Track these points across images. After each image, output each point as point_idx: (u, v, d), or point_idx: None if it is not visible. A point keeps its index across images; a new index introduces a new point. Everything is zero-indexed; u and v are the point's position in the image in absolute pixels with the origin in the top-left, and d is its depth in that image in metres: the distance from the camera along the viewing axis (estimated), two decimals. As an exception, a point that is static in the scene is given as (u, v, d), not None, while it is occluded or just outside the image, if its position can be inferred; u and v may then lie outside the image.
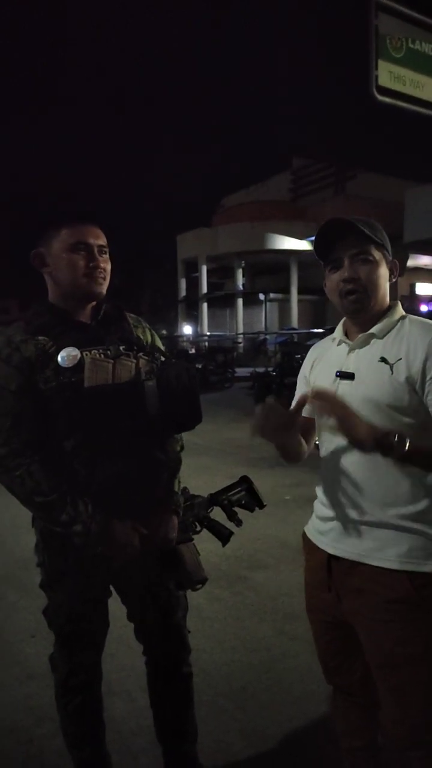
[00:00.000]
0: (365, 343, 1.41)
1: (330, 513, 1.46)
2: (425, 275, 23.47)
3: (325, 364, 1.52)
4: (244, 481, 1.91)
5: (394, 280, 1.43)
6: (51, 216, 1.64)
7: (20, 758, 2.06)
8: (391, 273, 1.43)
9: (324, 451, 1.52)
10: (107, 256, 1.63)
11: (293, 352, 12.89)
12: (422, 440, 1.30)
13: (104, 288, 1.62)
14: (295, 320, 22.77)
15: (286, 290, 24.12)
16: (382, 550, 1.36)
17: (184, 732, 1.85)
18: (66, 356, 1.52)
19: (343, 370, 1.42)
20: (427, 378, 1.31)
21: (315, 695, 2.29)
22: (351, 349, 1.44)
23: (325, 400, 1.33)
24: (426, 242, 16.89)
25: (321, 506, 1.51)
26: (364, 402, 1.36)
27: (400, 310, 1.44)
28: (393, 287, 1.47)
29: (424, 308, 19.68)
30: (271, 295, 25.62)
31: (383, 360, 1.35)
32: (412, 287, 22.96)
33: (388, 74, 7.34)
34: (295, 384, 1.65)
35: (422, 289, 23.31)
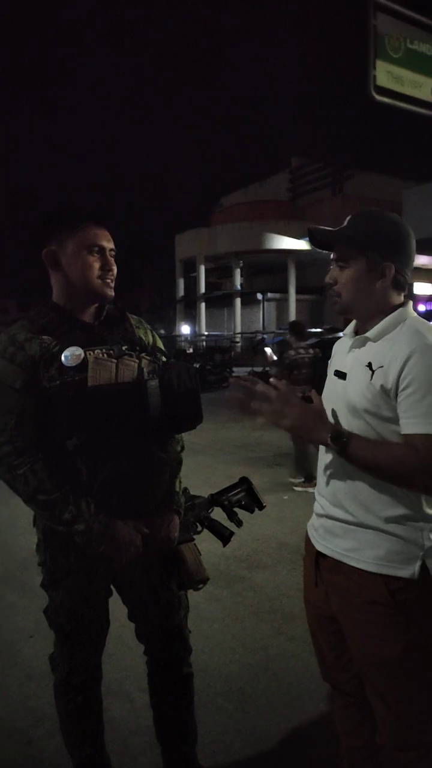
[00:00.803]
0: (361, 344, 1.42)
1: (320, 510, 1.48)
2: (423, 275, 23.46)
3: (334, 362, 1.53)
4: (244, 482, 1.92)
5: (387, 283, 1.38)
6: (68, 216, 1.64)
7: (19, 759, 2.06)
8: (382, 276, 1.38)
9: (320, 450, 1.53)
10: (113, 259, 1.66)
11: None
12: (374, 449, 1.30)
13: (113, 291, 1.65)
14: (293, 319, 22.78)
15: (284, 290, 24.16)
16: (360, 551, 1.36)
17: (184, 733, 1.85)
18: (70, 355, 1.53)
19: (340, 369, 1.44)
20: (400, 389, 1.28)
21: (313, 695, 2.30)
22: (351, 348, 1.45)
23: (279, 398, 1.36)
24: (424, 242, 16.86)
25: (316, 502, 1.54)
26: (347, 403, 1.38)
27: (405, 313, 1.38)
28: (387, 288, 1.40)
29: (422, 308, 19.73)
30: (269, 295, 25.64)
31: (369, 365, 1.35)
32: (410, 287, 22.98)
33: (386, 74, 7.34)
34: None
35: (420, 288, 23.31)
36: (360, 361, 1.39)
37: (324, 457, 1.48)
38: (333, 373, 1.48)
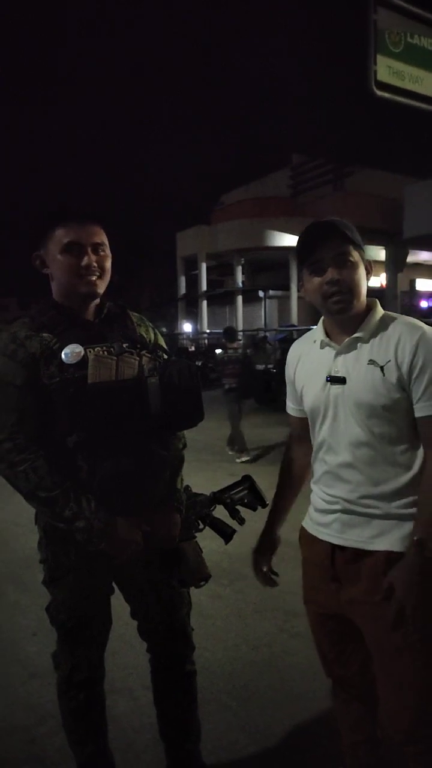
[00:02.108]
0: (352, 347, 1.43)
1: (333, 506, 1.48)
2: (425, 271, 23.44)
3: (310, 366, 1.53)
4: (247, 479, 1.91)
5: (368, 280, 1.45)
6: (44, 217, 1.63)
7: (22, 756, 2.06)
8: (368, 273, 1.45)
9: (317, 447, 1.53)
10: (105, 253, 1.62)
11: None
12: (428, 503, 1.36)
13: (99, 286, 1.61)
14: (294, 317, 22.73)
15: (286, 287, 24.09)
16: (386, 535, 1.39)
17: (188, 730, 1.84)
18: (70, 353, 1.53)
19: (333, 374, 1.44)
20: (413, 377, 1.34)
21: (317, 692, 2.29)
22: (338, 353, 1.45)
23: None
24: (425, 238, 16.84)
25: (320, 500, 1.53)
26: (357, 405, 1.39)
27: (380, 309, 1.46)
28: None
29: (424, 304, 19.69)
30: (271, 292, 25.57)
31: (372, 362, 1.38)
32: (413, 283, 22.93)
33: (386, 69, 7.30)
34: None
35: (422, 285, 23.29)
36: (358, 362, 1.40)
37: (330, 458, 1.48)
38: (323, 380, 1.46)
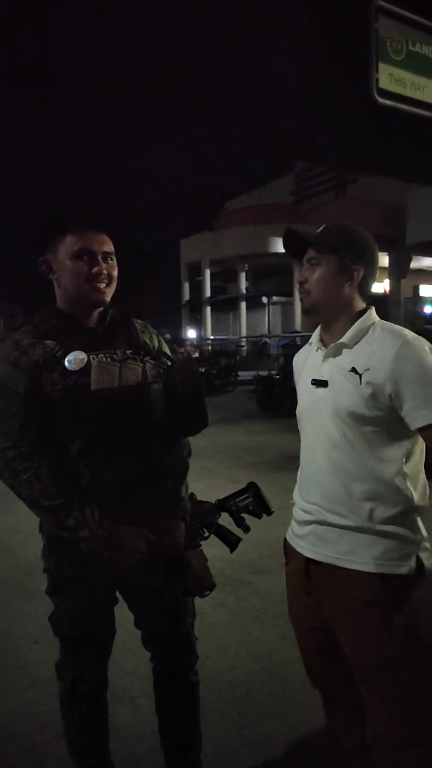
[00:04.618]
0: (337, 352, 1.44)
1: (308, 516, 1.48)
2: (429, 277, 23.41)
3: (306, 370, 1.55)
4: (252, 486, 1.91)
5: (354, 286, 1.45)
6: (56, 223, 1.64)
7: (23, 765, 2.06)
8: (351, 279, 1.45)
9: (303, 456, 1.54)
10: (113, 262, 1.64)
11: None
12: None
13: (107, 294, 1.63)
14: (298, 323, 22.74)
15: (290, 293, 24.10)
16: (357, 553, 1.38)
17: (189, 741, 1.83)
18: (73, 360, 1.53)
19: (317, 377, 1.46)
20: (397, 389, 1.32)
21: (318, 701, 2.26)
22: (325, 357, 1.47)
23: None
24: (429, 244, 16.87)
25: (299, 510, 1.53)
26: (335, 411, 1.40)
27: (372, 317, 1.46)
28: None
29: (429, 310, 19.64)
30: (274, 298, 25.62)
31: (353, 370, 1.38)
32: (416, 289, 22.91)
33: (388, 77, 7.33)
34: None
35: (426, 291, 23.25)
36: (341, 367, 1.41)
37: (310, 462, 1.49)
38: (310, 383, 1.48)
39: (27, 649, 2.80)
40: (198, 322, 28.15)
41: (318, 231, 1.49)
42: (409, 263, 19.06)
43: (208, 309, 26.46)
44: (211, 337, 24.58)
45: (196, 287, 27.40)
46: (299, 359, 1.64)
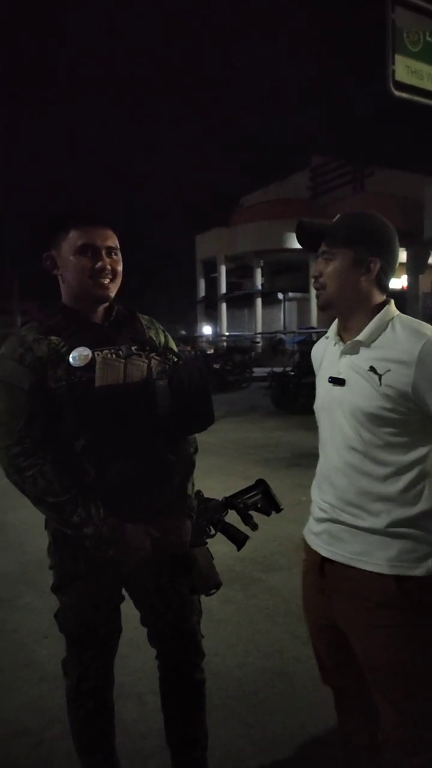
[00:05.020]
0: (355, 350, 1.39)
1: (323, 515, 1.45)
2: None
3: (325, 366, 1.51)
4: (261, 483, 1.88)
5: (371, 278, 1.38)
6: (59, 218, 1.64)
7: (29, 760, 2.06)
8: (368, 271, 1.37)
9: (320, 453, 1.51)
10: (118, 257, 1.62)
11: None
12: None
13: (112, 290, 1.61)
14: (314, 319, 22.63)
15: (305, 289, 24.00)
16: (371, 554, 1.35)
17: (195, 739, 1.82)
18: (77, 356, 1.52)
19: (335, 375, 1.41)
20: (422, 390, 1.27)
21: (328, 701, 2.23)
22: (342, 353, 1.42)
23: None
24: (446, 238, 16.65)
25: (316, 507, 1.51)
26: (352, 410, 1.36)
27: (391, 311, 1.38)
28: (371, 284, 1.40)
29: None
30: (290, 294, 25.52)
31: (372, 369, 1.33)
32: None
33: (405, 68, 7.20)
34: (312, 383, 1.63)
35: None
36: (359, 366, 1.36)
37: (326, 460, 1.46)
38: (327, 380, 1.44)
39: (36, 645, 2.80)
40: (213, 318, 28.15)
41: (333, 221, 1.43)
42: (428, 258, 18.86)
43: (224, 305, 26.44)
44: (227, 334, 24.56)
45: (212, 283, 27.38)
46: (317, 352, 1.59)
